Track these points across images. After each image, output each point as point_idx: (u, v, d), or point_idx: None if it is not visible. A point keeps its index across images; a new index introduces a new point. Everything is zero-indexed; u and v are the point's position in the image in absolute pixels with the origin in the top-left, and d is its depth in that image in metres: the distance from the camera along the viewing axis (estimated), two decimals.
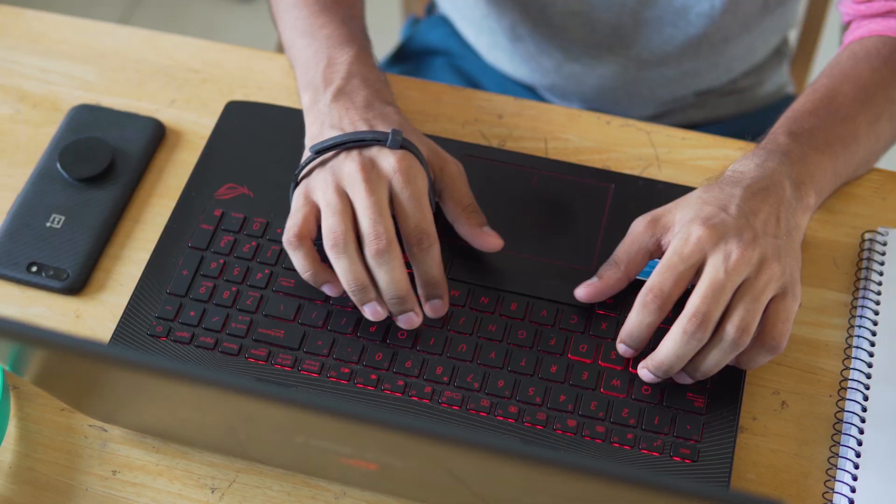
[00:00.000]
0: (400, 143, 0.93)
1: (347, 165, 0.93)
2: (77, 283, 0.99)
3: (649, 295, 0.90)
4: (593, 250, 0.98)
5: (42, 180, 1.04)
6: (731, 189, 0.93)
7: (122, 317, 0.95)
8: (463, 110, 1.09)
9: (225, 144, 1.05)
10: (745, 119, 1.32)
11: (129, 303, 0.96)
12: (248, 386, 0.65)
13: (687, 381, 0.91)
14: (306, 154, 0.96)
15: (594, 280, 0.95)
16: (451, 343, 0.94)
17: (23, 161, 1.06)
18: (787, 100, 1.35)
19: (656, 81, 1.26)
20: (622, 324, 0.92)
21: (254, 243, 0.99)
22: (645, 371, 0.91)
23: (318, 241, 0.93)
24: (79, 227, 1.01)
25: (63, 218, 1.02)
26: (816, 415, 0.93)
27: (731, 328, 0.88)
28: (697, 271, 0.90)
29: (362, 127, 0.95)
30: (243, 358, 0.93)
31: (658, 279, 0.90)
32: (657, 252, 0.93)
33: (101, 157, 1.04)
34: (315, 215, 0.93)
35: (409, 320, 0.93)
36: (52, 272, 0.99)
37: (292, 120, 1.06)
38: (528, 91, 1.32)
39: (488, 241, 0.96)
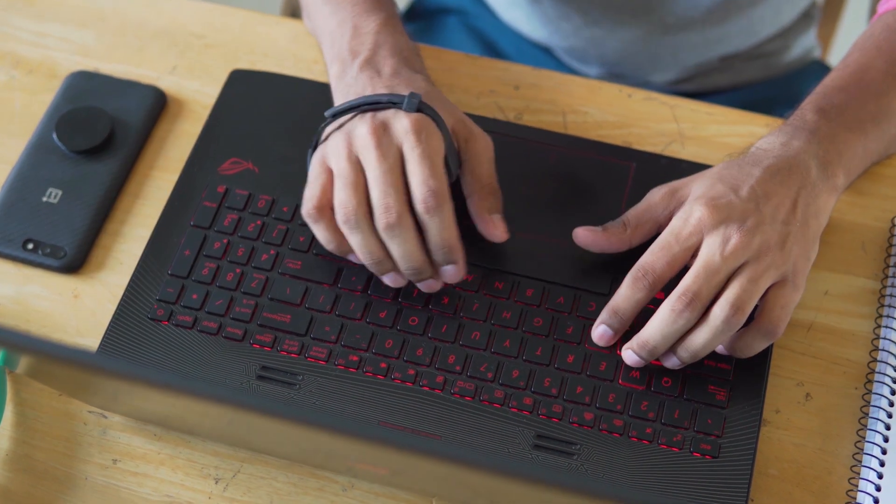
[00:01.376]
0: (416, 105, 0.89)
1: (360, 128, 0.89)
2: (75, 262, 0.95)
3: (640, 272, 0.87)
4: None
5: (38, 152, 1.00)
6: (751, 168, 0.89)
7: (122, 300, 0.92)
8: (478, 81, 1.04)
9: (229, 116, 1.00)
10: (770, 84, 1.27)
11: (128, 284, 0.92)
12: (246, 401, 0.62)
13: (675, 363, 0.88)
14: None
15: (598, 229, 0.91)
16: (464, 330, 0.90)
17: (17, 131, 1.02)
18: (814, 65, 1.30)
19: (680, 46, 1.21)
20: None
21: (259, 222, 0.95)
22: (629, 352, 0.88)
23: None
24: (76, 201, 0.97)
25: (60, 192, 0.98)
26: (841, 408, 0.90)
27: (724, 305, 0.85)
28: (695, 253, 0.87)
29: (382, 91, 0.91)
30: (248, 344, 0.90)
31: (651, 257, 0.87)
32: (667, 225, 0.90)
33: (99, 128, 1.00)
34: (332, 183, 0.90)
35: (428, 286, 0.90)
36: (48, 250, 0.95)
37: (300, 90, 1.01)
38: (546, 53, 1.27)
39: (492, 230, 0.93)
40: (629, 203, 0.95)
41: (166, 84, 1.04)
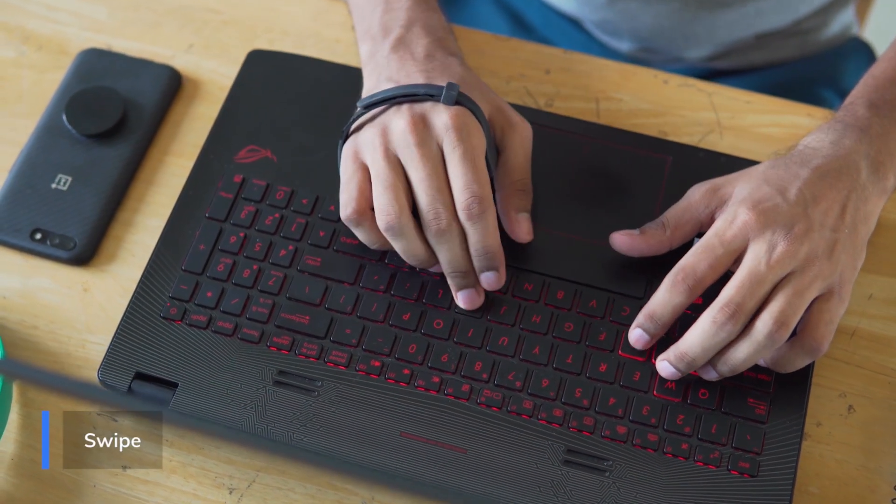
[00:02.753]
0: (455, 98, 0.85)
1: (397, 122, 0.85)
2: (85, 253, 0.91)
3: (680, 274, 0.83)
4: None
5: (47, 135, 0.95)
6: (798, 169, 0.84)
7: (133, 297, 0.87)
8: (507, 64, 0.99)
9: (246, 101, 0.96)
10: (807, 62, 1.22)
11: (140, 281, 0.88)
12: (260, 442, 0.58)
13: (713, 376, 0.84)
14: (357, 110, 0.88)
15: (635, 232, 0.87)
16: (491, 335, 0.86)
17: (26, 112, 0.97)
18: (852, 42, 1.25)
19: (716, 22, 1.16)
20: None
21: (277, 215, 0.90)
22: (665, 363, 0.84)
23: None
24: (87, 188, 0.93)
25: (70, 179, 0.93)
26: (886, 421, 0.86)
27: (767, 320, 0.80)
28: (739, 258, 0.82)
29: (419, 80, 0.86)
30: (264, 346, 0.86)
31: (692, 259, 0.83)
32: (709, 224, 0.85)
33: (111, 111, 0.95)
34: (369, 180, 0.85)
35: (469, 298, 0.86)
36: (57, 240, 0.91)
37: (322, 73, 0.96)
38: (574, 26, 1.22)
39: (517, 229, 0.88)
40: (665, 199, 0.91)
41: (181, 63, 0.99)
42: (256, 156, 0.93)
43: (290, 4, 1.02)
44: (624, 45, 1.20)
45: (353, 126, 0.87)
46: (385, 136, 0.85)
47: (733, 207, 0.84)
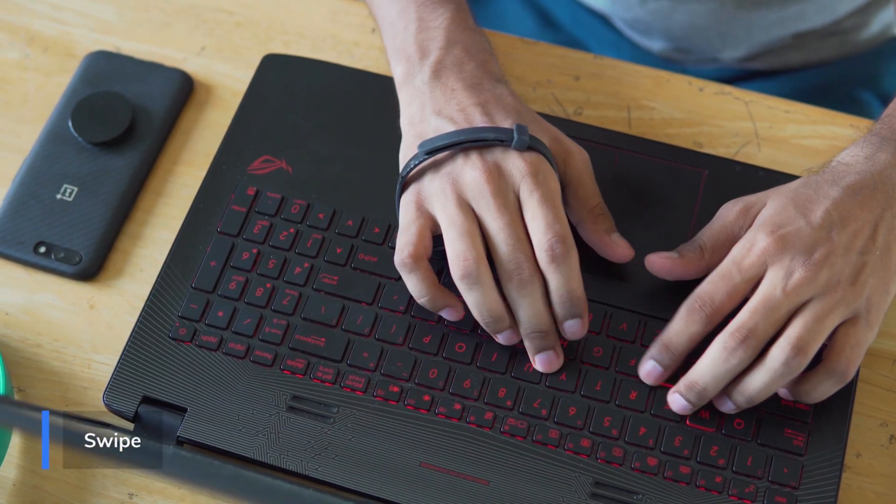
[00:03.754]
0: (527, 143, 0.80)
1: (469, 173, 0.80)
2: (91, 268, 0.87)
3: (697, 303, 0.79)
4: None
5: (52, 143, 0.91)
6: (828, 188, 0.80)
7: (140, 317, 0.83)
8: (535, 69, 0.95)
9: (260, 108, 0.91)
10: (846, 63, 1.17)
11: (148, 299, 0.84)
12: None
13: (730, 408, 0.79)
14: (412, 151, 0.82)
15: (673, 255, 0.83)
16: (516, 360, 0.82)
17: (31, 117, 0.93)
18: (892, 42, 1.20)
19: (753, 22, 1.11)
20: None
21: (292, 230, 0.86)
22: (676, 396, 0.79)
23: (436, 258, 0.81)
24: (93, 199, 0.89)
25: (75, 189, 0.89)
26: None
27: (784, 346, 0.76)
28: (757, 285, 0.79)
29: (477, 118, 0.81)
30: (278, 369, 0.82)
31: (709, 287, 0.79)
32: None
33: (119, 117, 0.91)
34: (431, 229, 0.80)
35: (548, 361, 0.81)
36: (62, 254, 0.87)
37: (340, 79, 0.92)
38: (604, 23, 1.17)
39: (617, 251, 0.84)
40: (700, 215, 0.86)
41: (193, 67, 0.95)
42: (271, 167, 0.89)
43: (306, 4, 0.98)
44: (656, 45, 1.15)
45: (414, 171, 0.82)
46: (456, 185, 0.80)
47: (752, 232, 0.80)
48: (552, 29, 1.19)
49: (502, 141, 0.80)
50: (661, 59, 1.16)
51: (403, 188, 0.82)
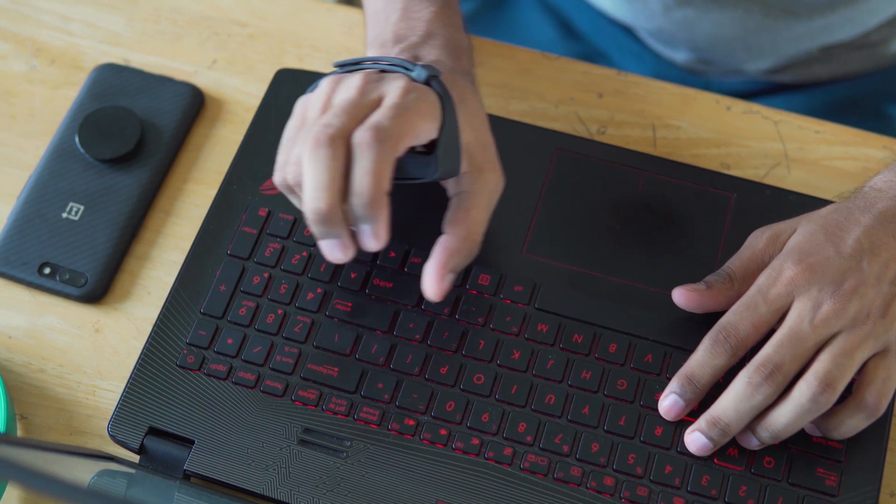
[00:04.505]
0: (426, 77, 0.75)
1: (353, 77, 0.75)
2: (97, 291, 0.84)
3: (721, 333, 0.76)
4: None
5: (58, 159, 0.88)
6: (860, 215, 0.77)
7: (147, 344, 0.80)
8: (556, 85, 0.92)
9: (273, 125, 0.88)
10: (875, 77, 1.14)
11: (155, 325, 0.81)
12: None
13: (754, 444, 0.76)
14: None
15: (700, 286, 0.79)
16: (536, 392, 0.79)
17: (37, 131, 0.90)
18: None
19: (780, 33, 1.07)
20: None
21: (304, 254, 0.83)
22: (696, 434, 0.76)
23: None
24: (100, 218, 0.86)
25: (82, 207, 0.86)
26: None
27: (811, 381, 0.73)
28: (784, 315, 0.76)
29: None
30: (289, 400, 0.79)
31: (734, 318, 0.76)
32: None
33: (128, 133, 0.88)
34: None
35: (330, 250, 0.74)
36: (67, 276, 0.84)
37: None
38: (626, 34, 1.14)
39: (435, 284, 0.76)
40: (728, 241, 0.83)
41: (204, 81, 0.92)
42: None
43: (321, 16, 0.95)
44: (680, 56, 1.12)
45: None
46: (334, 87, 0.76)
47: (780, 261, 0.77)
48: (573, 38, 1.16)
49: (408, 70, 0.75)
50: (684, 70, 1.13)
51: None
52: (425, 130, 0.74)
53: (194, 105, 0.90)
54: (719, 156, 0.89)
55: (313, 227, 0.73)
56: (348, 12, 0.95)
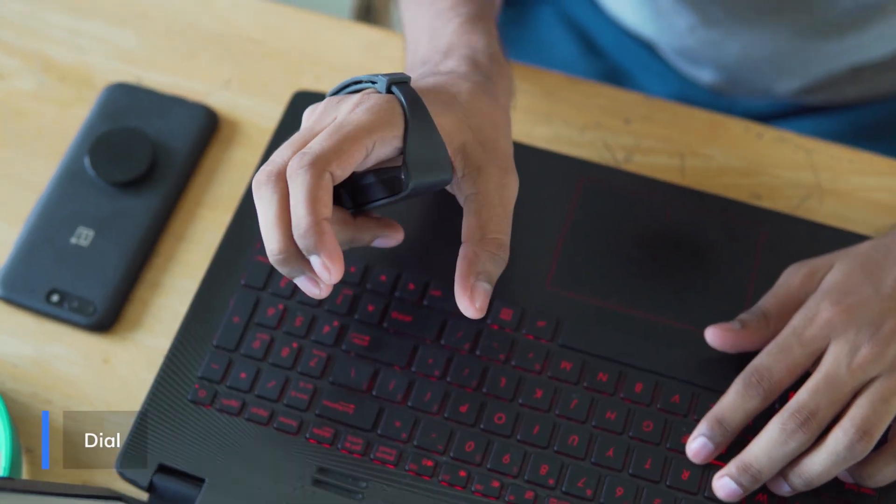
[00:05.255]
0: (387, 85, 0.71)
1: (320, 104, 0.73)
2: (106, 319, 0.82)
3: (754, 376, 0.73)
4: (739, 313, 0.79)
5: (67, 182, 0.85)
6: None
7: (158, 377, 0.78)
8: (582, 110, 0.89)
9: None
10: None
11: (166, 358, 0.79)
12: None
13: (786, 491, 0.74)
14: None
15: (734, 325, 0.77)
16: (559, 433, 0.76)
17: (46, 152, 0.88)
18: None
19: (810, 53, 1.04)
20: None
21: None
22: (726, 480, 0.73)
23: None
24: (110, 244, 0.83)
25: (91, 233, 0.84)
26: None
27: (848, 428, 0.71)
28: (820, 357, 0.73)
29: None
30: (303, 438, 0.76)
31: (768, 360, 0.74)
32: None
33: (139, 156, 0.86)
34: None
35: (306, 287, 0.70)
36: (76, 303, 0.82)
37: None
38: (649, 52, 1.11)
39: (467, 298, 0.71)
40: (760, 278, 0.80)
41: (218, 101, 0.89)
42: None
43: (339, 34, 0.92)
44: (705, 76, 1.09)
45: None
46: (314, 110, 0.73)
47: (816, 300, 0.74)
48: (595, 55, 1.13)
49: (373, 83, 0.72)
50: (710, 90, 1.10)
51: None
52: (380, 140, 0.69)
53: (208, 127, 0.88)
54: (750, 185, 0.86)
55: (277, 268, 0.70)
56: (366, 31, 0.93)
